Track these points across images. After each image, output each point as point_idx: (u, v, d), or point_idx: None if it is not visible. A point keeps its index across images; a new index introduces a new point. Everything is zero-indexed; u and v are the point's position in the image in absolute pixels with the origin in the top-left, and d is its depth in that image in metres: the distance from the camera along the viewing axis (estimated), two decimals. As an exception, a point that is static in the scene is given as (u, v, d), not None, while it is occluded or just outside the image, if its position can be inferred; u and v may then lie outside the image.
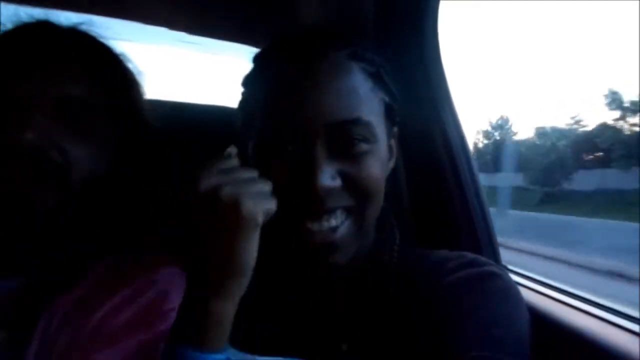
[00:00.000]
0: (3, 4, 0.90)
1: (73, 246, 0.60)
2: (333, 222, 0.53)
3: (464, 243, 0.83)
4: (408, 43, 0.85)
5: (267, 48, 0.61)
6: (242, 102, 0.62)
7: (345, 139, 0.53)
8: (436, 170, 0.85)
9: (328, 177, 0.51)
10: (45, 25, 0.64)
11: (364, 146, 0.54)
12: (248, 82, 0.61)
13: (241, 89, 0.62)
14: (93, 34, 0.66)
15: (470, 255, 0.59)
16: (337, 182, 0.52)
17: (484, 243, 0.83)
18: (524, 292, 0.61)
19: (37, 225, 0.53)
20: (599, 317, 0.65)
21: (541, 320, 0.67)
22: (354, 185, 0.53)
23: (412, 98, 0.75)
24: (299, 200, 0.51)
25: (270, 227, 0.56)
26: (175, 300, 0.57)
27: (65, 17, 0.67)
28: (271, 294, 0.61)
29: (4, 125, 0.53)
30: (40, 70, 0.56)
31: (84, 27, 0.66)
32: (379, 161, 0.56)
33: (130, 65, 0.68)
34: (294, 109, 0.53)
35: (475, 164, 0.86)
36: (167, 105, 0.89)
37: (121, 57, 0.67)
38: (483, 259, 0.58)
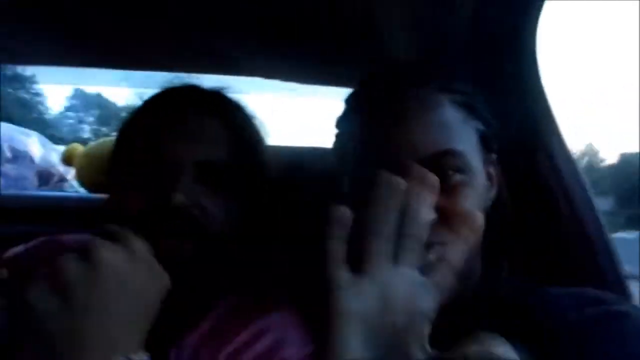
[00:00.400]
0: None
1: (202, 287, 0.64)
2: (431, 257, 0.51)
3: (585, 278, 0.75)
4: (505, 69, 0.82)
5: (358, 88, 0.63)
6: (336, 143, 0.64)
7: (439, 172, 0.51)
8: (545, 198, 0.79)
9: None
10: (191, 89, 0.72)
11: (458, 177, 0.53)
12: (340, 122, 0.64)
13: (335, 130, 0.65)
14: (231, 95, 0.73)
15: (594, 291, 0.53)
16: (432, 216, 0.51)
17: (610, 278, 0.74)
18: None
19: (174, 271, 0.56)
20: None
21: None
22: (450, 218, 0.52)
23: (513, 125, 0.71)
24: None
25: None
26: (289, 353, 0.59)
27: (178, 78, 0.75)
28: None
29: (155, 185, 0.59)
30: (188, 135, 0.63)
31: (224, 89, 0.73)
32: (475, 192, 0.54)
33: (259, 123, 0.74)
34: (384, 146, 0.53)
35: (590, 189, 0.79)
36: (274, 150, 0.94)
37: (253, 117, 0.74)
38: (611, 295, 0.52)
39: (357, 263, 0.39)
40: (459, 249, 0.53)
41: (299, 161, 0.94)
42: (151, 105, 0.69)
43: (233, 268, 0.70)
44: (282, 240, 0.81)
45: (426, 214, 0.40)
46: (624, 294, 0.74)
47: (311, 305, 0.65)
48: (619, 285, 0.74)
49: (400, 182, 0.40)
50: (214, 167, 0.63)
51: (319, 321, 0.63)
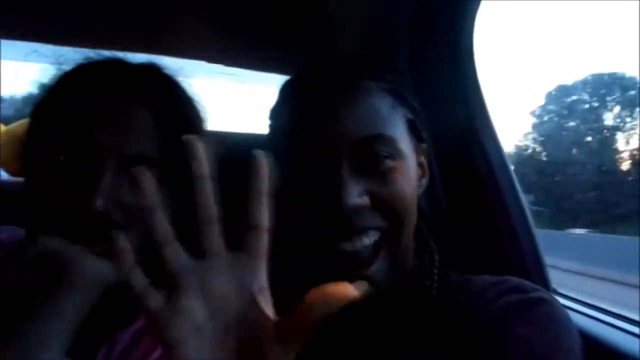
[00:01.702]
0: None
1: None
2: (366, 240, 0.52)
3: (509, 266, 0.80)
4: (444, 61, 0.85)
5: (290, 79, 0.63)
6: (270, 134, 0.64)
7: (370, 157, 0.53)
8: (477, 189, 0.83)
9: (355, 195, 0.51)
10: (117, 65, 0.62)
11: (389, 162, 0.54)
12: (274, 113, 0.63)
13: (268, 122, 0.64)
14: (165, 73, 0.64)
15: (515, 280, 0.56)
16: (365, 200, 0.52)
17: (531, 265, 0.79)
18: (575, 317, 0.58)
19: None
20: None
21: (593, 346, 0.64)
22: (383, 203, 0.53)
23: (449, 116, 0.74)
24: (329, 220, 0.51)
25: (302, 253, 0.56)
26: None
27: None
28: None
29: (73, 184, 0.53)
30: (112, 122, 0.55)
31: (157, 66, 0.64)
32: (406, 178, 0.55)
33: (198, 105, 0.66)
34: (316, 132, 0.54)
35: (517, 181, 0.84)
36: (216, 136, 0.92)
37: (191, 98, 0.65)
38: (530, 284, 0.56)
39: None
40: (394, 235, 0.54)
41: (240, 148, 0.92)
42: (68, 84, 0.60)
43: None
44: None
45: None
46: (544, 281, 0.80)
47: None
48: (539, 273, 0.80)
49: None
50: (143, 161, 0.55)
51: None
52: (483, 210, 0.82)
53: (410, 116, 0.60)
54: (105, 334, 0.57)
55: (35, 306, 0.47)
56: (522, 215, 0.82)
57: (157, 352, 0.55)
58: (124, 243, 0.37)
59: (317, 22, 0.93)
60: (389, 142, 0.54)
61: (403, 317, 0.57)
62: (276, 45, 1.08)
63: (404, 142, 0.57)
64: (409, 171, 0.56)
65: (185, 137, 0.39)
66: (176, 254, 0.37)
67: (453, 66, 0.85)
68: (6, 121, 1.53)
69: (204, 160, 0.38)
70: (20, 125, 1.42)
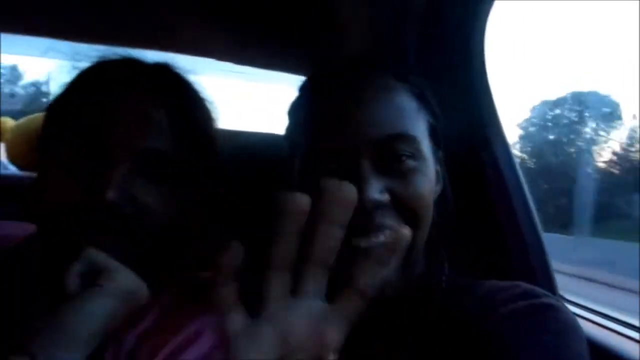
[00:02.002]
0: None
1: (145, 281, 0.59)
2: (382, 238, 0.52)
3: (517, 271, 0.80)
4: (453, 68, 0.85)
5: (311, 76, 0.62)
6: (287, 130, 0.64)
7: (392, 155, 0.53)
8: (485, 195, 0.82)
9: (375, 191, 0.51)
10: (131, 63, 0.63)
11: (411, 163, 0.53)
12: (293, 110, 0.63)
13: (287, 117, 0.64)
14: (178, 72, 0.65)
15: (524, 285, 0.56)
16: (385, 197, 0.52)
17: (539, 271, 0.79)
18: (583, 324, 0.58)
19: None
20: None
21: (602, 355, 0.63)
22: (401, 203, 0.53)
23: (459, 121, 0.74)
24: None
25: None
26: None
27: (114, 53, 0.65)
28: None
29: (86, 177, 0.53)
30: (126, 119, 0.55)
31: (169, 65, 0.64)
32: (426, 179, 0.55)
33: (209, 104, 0.66)
34: (338, 128, 0.53)
35: (526, 187, 0.83)
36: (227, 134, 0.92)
37: (202, 97, 0.66)
38: (539, 289, 0.55)
39: (254, 302, 0.34)
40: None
41: (250, 147, 0.92)
42: (85, 81, 0.61)
43: (174, 263, 0.65)
44: (233, 232, 0.80)
45: (336, 234, 0.35)
46: (551, 286, 0.80)
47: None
48: (547, 279, 0.80)
49: (303, 202, 0.34)
50: (156, 157, 0.56)
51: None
52: (491, 215, 0.82)
53: (432, 121, 0.59)
54: (112, 335, 0.56)
55: (69, 308, 0.48)
56: (530, 221, 0.82)
57: (164, 352, 0.55)
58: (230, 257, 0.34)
59: (325, 21, 0.92)
60: (412, 142, 0.54)
61: (409, 321, 0.57)
62: (283, 43, 1.08)
63: (426, 145, 0.56)
64: (429, 174, 0.56)
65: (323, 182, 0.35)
66: (278, 284, 0.34)
67: (463, 70, 0.84)
68: (14, 116, 1.54)
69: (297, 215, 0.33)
70: (30, 120, 1.43)
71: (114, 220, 0.53)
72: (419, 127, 0.56)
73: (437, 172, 0.61)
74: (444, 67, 0.85)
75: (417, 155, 0.54)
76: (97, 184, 0.52)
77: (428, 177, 0.56)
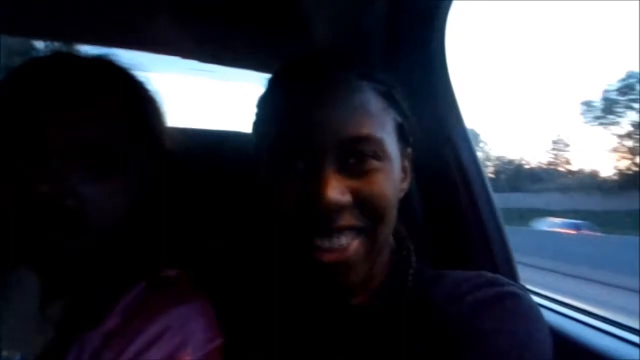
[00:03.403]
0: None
1: (99, 282, 0.59)
2: (343, 240, 0.52)
3: (480, 262, 0.82)
4: (416, 63, 0.86)
5: (279, 71, 0.62)
6: (255, 124, 0.63)
7: (356, 156, 0.53)
8: (449, 188, 0.84)
9: (337, 192, 0.51)
10: (64, 57, 0.62)
11: (374, 163, 0.54)
12: (261, 103, 0.63)
13: (255, 111, 0.64)
14: (116, 62, 0.64)
15: (488, 274, 0.58)
16: (347, 198, 0.52)
17: (501, 261, 0.81)
18: (545, 313, 0.60)
19: (56, 268, 0.53)
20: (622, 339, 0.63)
21: (563, 342, 0.65)
22: (364, 204, 0.53)
23: (421, 117, 0.75)
24: (308, 216, 0.51)
25: (279, 248, 0.56)
26: (195, 351, 0.56)
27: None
28: (277, 317, 0.61)
29: (20, 171, 0.52)
30: (59, 112, 0.54)
31: (106, 57, 0.64)
32: (390, 179, 0.56)
33: (153, 94, 0.66)
34: (304, 126, 0.53)
35: (488, 180, 0.86)
36: (183, 132, 0.91)
37: (145, 88, 0.65)
38: (502, 278, 0.57)
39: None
40: (373, 234, 0.54)
41: (214, 145, 0.91)
42: (18, 78, 0.59)
43: (136, 259, 0.64)
44: (194, 226, 0.79)
45: None
46: (513, 276, 0.82)
47: (222, 293, 0.65)
48: (509, 270, 0.82)
49: None
50: (96, 149, 0.55)
51: (231, 308, 0.62)
52: (455, 208, 0.84)
53: (399, 119, 0.60)
54: (73, 336, 0.55)
55: None
56: (492, 214, 0.84)
57: (130, 352, 0.54)
58: None
59: (290, 18, 0.92)
60: (376, 142, 0.54)
61: (376, 311, 0.57)
62: (249, 41, 1.08)
63: (391, 145, 0.57)
64: (393, 173, 0.57)
65: None
66: None
67: (425, 66, 0.86)
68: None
69: None
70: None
71: (56, 214, 0.51)
72: (385, 127, 0.57)
73: (404, 169, 0.62)
74: (407, 63, 0.87)
75: (381, 155, 0.55)
76: (33, 176, 0.51)
77: (392, 177, 0.56)
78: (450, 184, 0.84)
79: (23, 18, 1.02)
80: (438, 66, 0.85)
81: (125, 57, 0.65)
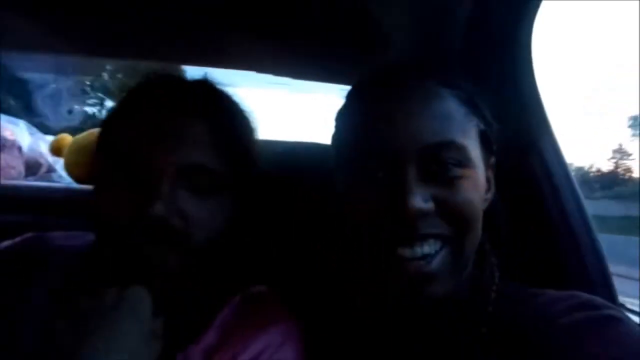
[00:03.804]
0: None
1: (198, 297, 0.63)
2: (426, 248, 0.51)
3: (573, 278, 0.76)
4: (500, 72, 0.82)
5: (358, 83, 0.62)
6: (335, 136, 0.64)
7: (439, 163, 0.52)
8: (537, 203, 0.79)
9: (420, 199, 0.50)
10: (169, 82, 0.66)
11: (458, 170, 0.52)
12: (340, 116, 0.63)
13: (334, 122, 0.64)
14: (218, 87, 0.68)
15: (583, 295, 0.54)
16: (430, 206, 0.51)
17: (597, 281, 0.75)
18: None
19: (161, 282, 0.56)
20: None
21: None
22: (448, 211, 0.51)
23: (506, 125, 0.72)
24: (391, 225, 0.51)
25: (362, 258, 0.56)
26: None
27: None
28: (358, 327, 0.61)
29: (135, 192, 0.56)
30: (170, 136, 0.58)
31: (206, 79, 0.68)
32: (475, 187, 0.54)
33: (249, 117, 0.69)
34: (385, 134, 0.53)
35: (581, 193, 0.80)
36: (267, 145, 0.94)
37: (243, 111, 0.68)
38: (600, 300, 0.53)
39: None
40: (457, 244, 0.53)
41: (293, 156, 0.93)
42: (131, 100, 0.65)
43: (230, 274, 0.67)
44: (279, 240, 0.81)
45: None
46: (611, 294, 0.76)
47: (308, 306, 0.66)
48: (605, 285, 0.76)
49: None
50: (199, 171, 0.59)
51: (314, 324, 0.63)
52: (544, 221, 0.79)
53: (482, 127, 0.58)
54: (176, 351, 0.59)
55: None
56: (585, 225, 0.78)
57: None
58: None
59: (368, 29, 0.92)
60: (459, 149, 0.53)
61: (459, 330, 0.55)
62: (326, 54, 1.09)
63: (475, 152, 0.55)
64: (478, 181, 0.55)
65: None
66: None
67: (511, 73, 0.82)
68: (72, 132, 1.63)
69: None
70: (86, 136, 1.51)
71: (163, 232, 0.55)
72: (468, 134, 0.55)
73: (488, 179, 0.60)
74: (491, 70, 0.83)
75: (464, 162, 0.53)
76: (145, 198, 0.55)
77: (476, 185, 0.54)
78: (538, 194, 0.79)
79: (108, 39, 1.12)
80: (523, 72, 0.80)
81: (217, 76, 0.69)
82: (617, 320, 0.49)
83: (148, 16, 0.99)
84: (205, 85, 0.68)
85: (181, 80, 0.68)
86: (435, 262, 0.51)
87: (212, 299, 0.64)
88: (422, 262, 0.51)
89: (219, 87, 0.68)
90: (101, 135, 0.65)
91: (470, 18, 0.78)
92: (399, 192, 0.50)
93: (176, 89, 0.65)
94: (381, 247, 0.52)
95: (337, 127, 0.64)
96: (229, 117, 0.66)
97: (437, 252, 0.52)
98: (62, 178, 1.71)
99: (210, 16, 0.98)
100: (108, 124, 0.65)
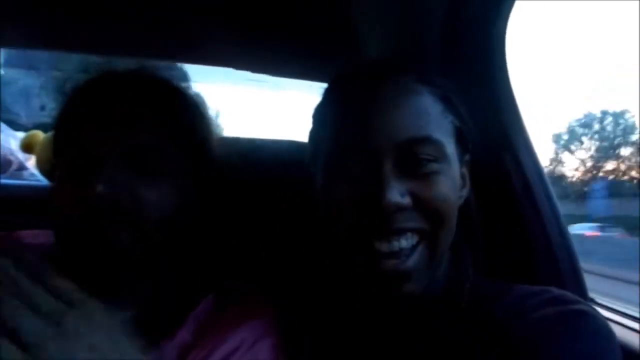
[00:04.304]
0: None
1: (165, 292, 0.63)
2: (403, 242, 0.51)
3: (545, 274, 0.77)
4: (475, 69, 0.83)
5: (335, 79, 0.62)
6: (312, 132, 0.64)
7: (415, 158, 0.52)
8: (510, 198, 0.81)
9: (397, 193, 0.50)
10: (112, 74, 0.68)
11: (434, 165, 0.53)
12: (318, 112, 0.63)
13: (312, 118, 0.64)
14: (158, 75, 0.69)
15: (555, 291, 0.55)
16: (407, 200, 0.51)
17: (568, 275, 0.77)
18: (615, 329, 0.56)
19: (118, 266, 0.56)
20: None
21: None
22: (424, 206, 0.52)
23: (480, 125, 0.73)
24: (368, 219, 0.51)
25: (338, 253, 0.56)
26: None
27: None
28: (335, 323, 0.61)
29: (77, 176, 0.57)
30: (110, 120, 0.59)
31: (150, 70, 0.69)
32: (450, 182, 0.54)
33: (202, 105, 0.70)
34: (362, 129, 0.53)
35: (553, 191, 0.81)
36: (238, 141, 0.93)
37: (193, 97, 0.69)
38: (570, 295, 0.54)
39: None
40: (433, 239, 0.53)
41: (266, 153, 0.93)
42: (78, 92, 0.66)
43: (203, 269, 0.67)
44: (255, 237, 0.81)
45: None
46: (580, 289, 0.78)
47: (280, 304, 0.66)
48: (575, 281, 0.78)
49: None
50: (145, 151, 0.60)
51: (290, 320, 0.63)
52: (517, 217, 0.80)
53: (458, 124, 0.59)
54: (151, 346, 0.58)
55: None
56: (557, 222, 0.80)
57: None
58: None
59: (344, 26, 0.93)
60: (435, 145, 0.53)
61: (433, 323, 0.56)
62: (303, 51, 1.09)
63: (450, 148, 0.56)
64: (453, 177, 0.56)
65: None
66: None
67: (485, 71, 0.83)
68: (45, 129, 1.59)
69: None
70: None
71: (112, 211, 0.55)
72: (443, 130, 0.56)
73: (462, 176, 0.60)
74: (465, 70, 0.84)
75: (440, 158, 0.54)
76: (90, 180, 0.55)
77: (452, 180, 0.55)
78: (512, 193, 0.80)
79: (82, 35, 1.10)
80: (498, 72, 0.82)
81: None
82: (586, 315, 0.50)
83: (127, 12, 0.97)
84: (150, 75, 0.69)
85: (127, 72, 0.69)
86: (412, 260, 0.52)
87: (185, 295, 0.64)
88: (398, 260, 0.51)
89: (164, 78, 0.69)
90: (55, 128, 0.66)
91: (446, 17, 0.79)
92: (377, 187, 0.50)
93: (120, 79, 0.66)
94: (358, 242, 0.52)
95: (314, 123, 0.64)
96: (173, 104, 0.66)
97: (413, 247, 0.52)
98: (34, 176, 1.66)
99: (189, 13, 0.98)
100: (59, 117, 0.65)
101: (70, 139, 0.60)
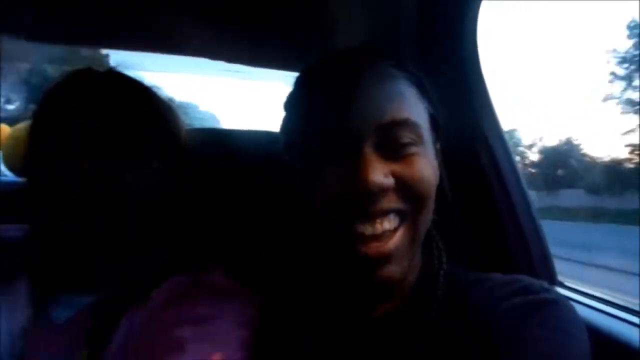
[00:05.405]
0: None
1: (137, 261, 0.67)
2: (386, 224, 0.51)
3: (516, 261, 0.80)
4: (447, 60, 0.84)
5: (310, 67, 0.62)
6: (284, 123, 0.63)
7: (395, 141, 0.52)
8: (482, 186, 0.82)
9: (380, 174, 0.50)
10: (88, 72, 0.71)
11: (413, 148, 0.53)
12: (290, 102, 0.62)
13: (284, 107, 0.64)
14: (125, 75, 0.72)
15: (524, 280, 0.56)
16: (390, 181, 0.51)
17: (538, 259, 0.79)
18: (581, 310, 0.58)
19: (98, 238, 0.60)
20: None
21: (600, 339, 0.63)
22: (406, 187, 0.52)
23: (453, 114, 0.74)
24: (350, 202, 0.50)
25: (321, 238, 0.56)
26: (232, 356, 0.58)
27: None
28: (312, 309, 0.61)
29: (70, 155, 0.61)
30: (89, 118, 0.63)
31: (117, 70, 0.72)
32: (429, 164, 0.55)
33: (160, 99, 0.72)
34: (342, 113, 0.53)
35: (523, 177, 0.84)
36: (211, 132, 0.92)
37: (153, 93, 0.72)
38: (540, 284, 0.55)
39: None
40: (414, 221, 0.54)
41: (239, 144, 0.92)
42: (55, 93, 0.68)
43: (179, 247, 0.70)
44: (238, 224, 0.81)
45: None
46: (550, 274, 0.80)
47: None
48: (546, 267, 0.80)
49: None
50: (116, 132, 0.63)
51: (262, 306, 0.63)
52: (488, 206, 0.82)
53: (431, 111, 0.59)
54: (121, 314, 0.63)
55: None
56: (527, 210, 0.82)
57: (174, 333, 0.57)
58: None
59: (318, 17, 0.92)
60: (414, 127, 0.53)
61: (409, 311, 0.56)
62: (276, 41, 1.08)
63: (426, 133, 0.56)
64: (431, 160, 0.56)
65: None
66: None
67: (457, 61, 0.84)
68: (10, 122, 1.54)
69: None
70: (26, 126, 1.42)
71: (97, 186, 0.60)
72: (420, 114, 0.56)
73: (436, 163, 0.61)
74: (438, 59, 0.85)
75: (419, 141, 0.54)
76: (71, 159, 0.60)
77: (431, 163, 0.56)
78: (484, 182, 0.82)
79: (49, 24, 1.07)
80: (470, 62, 0.83)
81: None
82: (555, 304, 0.52)
83: (100, 2, 0.95)
84: (118, 74, 0.72)
85: (98, 73, 0.71)
86: (393, 242, 0.52)
87: (159, 268, 0.68)
88: (381, 242, 0.51)
89: (131, 77, 0.72)
90: (34, 118, 0.67)
91: (419, 7, 0.79)
92: (360, 169, 0.50)
93: (93, 80, 0.69)
94: (339, 226, 0.52)
95: (288, 112, 0.63)
96: (139, 99, 0.69)
97: (395, 229, 0.52)
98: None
99: (164, 3, 0.96)
100: (37, 116, 0.67)
101: (53, 125, 0.63)
